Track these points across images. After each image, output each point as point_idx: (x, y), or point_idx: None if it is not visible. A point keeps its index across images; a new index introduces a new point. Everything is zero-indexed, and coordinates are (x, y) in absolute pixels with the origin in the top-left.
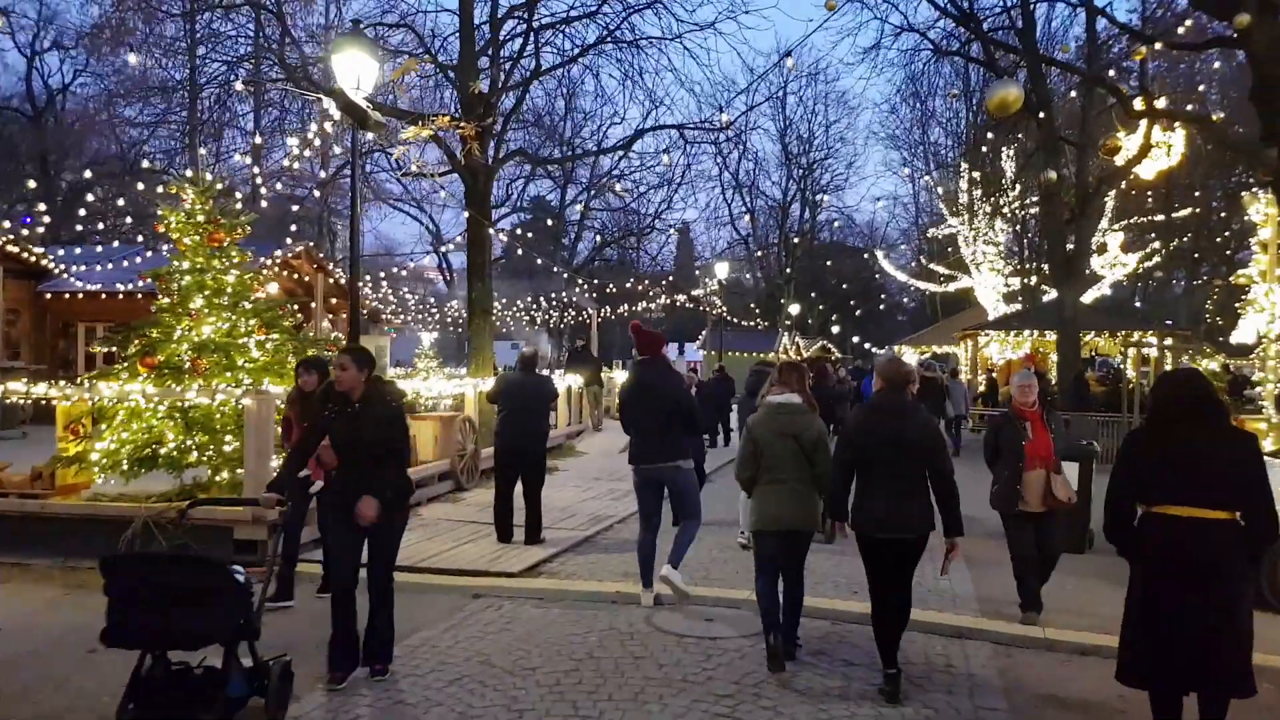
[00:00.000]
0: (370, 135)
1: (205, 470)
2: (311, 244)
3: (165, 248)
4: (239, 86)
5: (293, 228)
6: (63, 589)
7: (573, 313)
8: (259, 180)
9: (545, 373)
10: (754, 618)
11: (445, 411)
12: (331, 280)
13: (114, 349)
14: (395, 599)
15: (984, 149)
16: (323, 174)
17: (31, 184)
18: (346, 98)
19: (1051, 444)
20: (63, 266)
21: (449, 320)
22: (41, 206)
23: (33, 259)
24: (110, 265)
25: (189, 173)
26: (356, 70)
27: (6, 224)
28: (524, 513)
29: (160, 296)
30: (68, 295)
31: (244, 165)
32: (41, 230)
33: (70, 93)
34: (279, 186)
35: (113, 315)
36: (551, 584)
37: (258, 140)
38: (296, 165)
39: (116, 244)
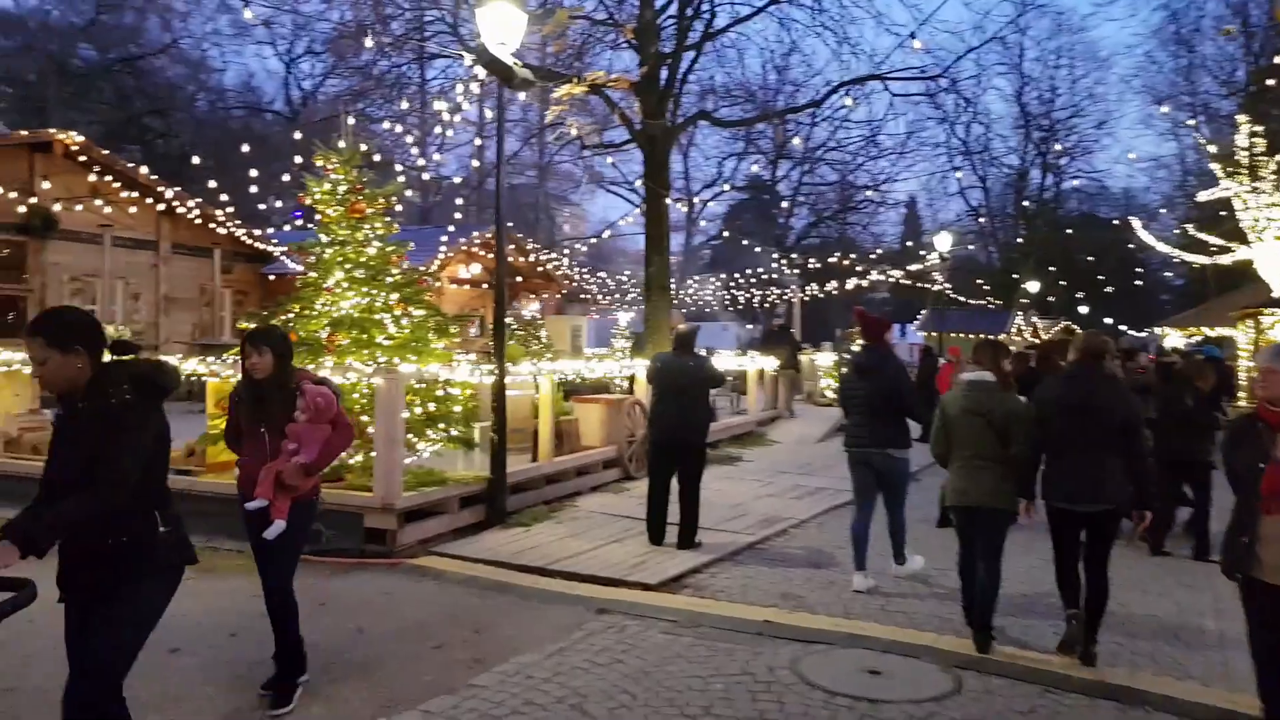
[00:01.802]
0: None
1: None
2: (510, 224)
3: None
4: (368, 43)
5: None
6: (190, 572)
7: (775, 291)
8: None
9: (705, 353)
10: (934, 673)
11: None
12: (529, 260)
13: (255, 325)
14: (513, 607)
15: (1269, 88)
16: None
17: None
18: (489, 54)
19: None
20: (283, 250)
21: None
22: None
23: (257, 244)
24: None
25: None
26: (502, 24)
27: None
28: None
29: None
30: (288, 277)
31: (468, 153)
32: (300, 223)
33: (321, 94)
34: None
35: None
36: (691, 603)
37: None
38: (450, 132)
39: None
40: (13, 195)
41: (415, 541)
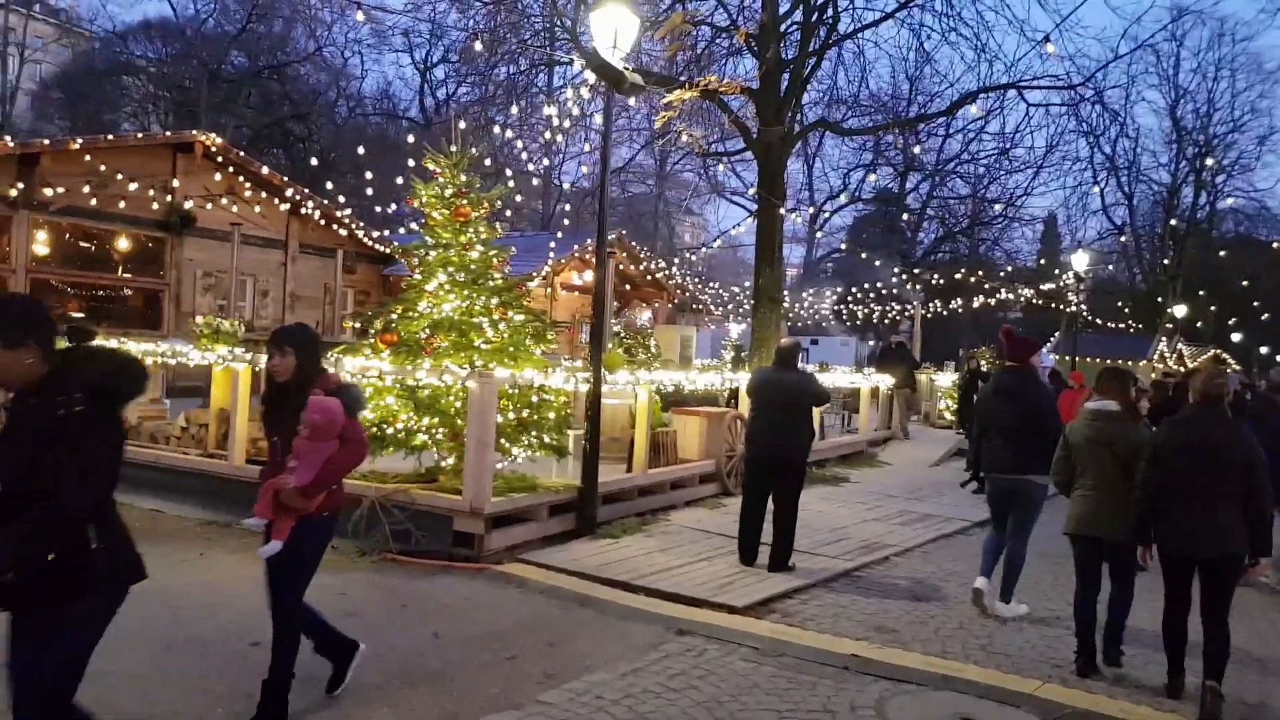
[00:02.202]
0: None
1: (444, 453)
2: (624, 232)
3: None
4: (477, 46)
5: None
6: None
7: (896, 307)
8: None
9: (812, 369)
10: None
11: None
12: (640, 268)
13: (361, 324)
14: (592, 621)
15: None
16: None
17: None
18: (599, 58)
19: None
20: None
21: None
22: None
23: (377, 245)
24: None
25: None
26: (614, 27)
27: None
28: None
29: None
30: (405, 278)
31: (592, 160)
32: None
33: (455, 101)
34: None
35: None
36: (776, 630)
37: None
38: (560, 138)
39: None
40: (154, 193)
41: (503, 547)
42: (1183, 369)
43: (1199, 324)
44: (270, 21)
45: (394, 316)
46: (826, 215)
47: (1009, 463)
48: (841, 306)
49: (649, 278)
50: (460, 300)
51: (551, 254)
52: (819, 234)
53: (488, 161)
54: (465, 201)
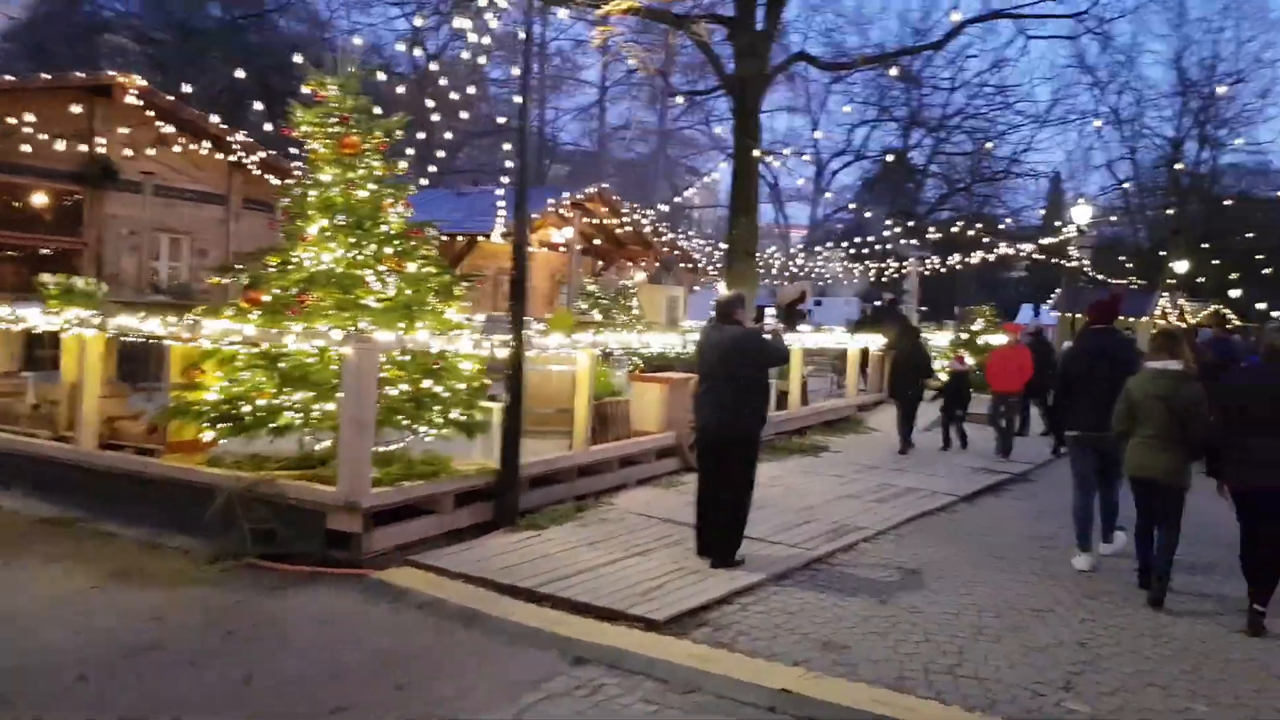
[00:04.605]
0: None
1: (322, 434)
2: (605, 185)
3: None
4: None
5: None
6: (106, 575)
7: (893, 264)
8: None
9: (769, 326)
10: None
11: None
12: (618, 220)
13: (231, 280)
14: (471, 647)
15: None
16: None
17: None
18: None
19: None
20: None
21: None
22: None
23: None
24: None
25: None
26: None
27: None
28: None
29: (292, 219)
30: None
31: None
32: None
33: (445, 58)
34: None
35: None
36: (697, 654)
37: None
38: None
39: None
40: (64, 143)
41: (392, 546)
42: (1183, 325)
43: (1201, 279)
44: None
45: (270, 269)
46: (834, 171)
47: (1102, 420)
48: (836, 264)
49: (625, 231)
50: (343, 249)
51: (500, 207)
52: (827, 194)
53: (400, 90)
54: (352, 130)
